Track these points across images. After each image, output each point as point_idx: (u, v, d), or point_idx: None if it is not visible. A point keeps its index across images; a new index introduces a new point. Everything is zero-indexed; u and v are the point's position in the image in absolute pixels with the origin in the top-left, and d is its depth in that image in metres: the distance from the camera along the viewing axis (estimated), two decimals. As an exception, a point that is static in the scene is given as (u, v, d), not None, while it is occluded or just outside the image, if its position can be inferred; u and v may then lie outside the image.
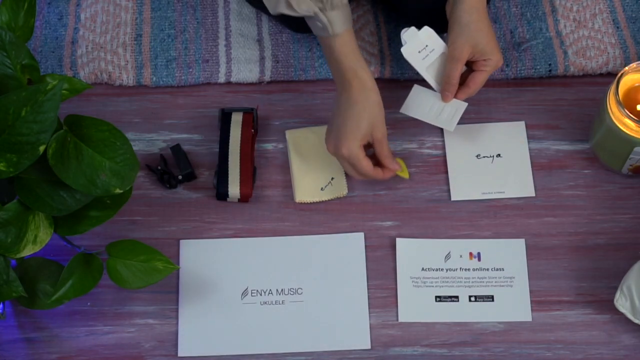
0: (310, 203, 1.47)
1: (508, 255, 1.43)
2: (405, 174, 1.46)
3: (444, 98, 1.45)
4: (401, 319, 1.39)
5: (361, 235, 1.44)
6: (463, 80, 1.45)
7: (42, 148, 1.13)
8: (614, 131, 1.38)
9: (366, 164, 1.39)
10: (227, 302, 1.40)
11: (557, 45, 1.56)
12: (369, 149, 1.41)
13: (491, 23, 1.50)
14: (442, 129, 1.51)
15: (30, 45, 1.55)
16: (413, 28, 1.45)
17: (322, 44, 1.38)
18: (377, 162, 1.42)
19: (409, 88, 1.54)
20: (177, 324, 1.39)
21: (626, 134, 1.37)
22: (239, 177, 1.45)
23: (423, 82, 1.48)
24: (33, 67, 1.21)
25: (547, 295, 1.41)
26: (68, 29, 1.58)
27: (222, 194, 1.45)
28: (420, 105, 1.47)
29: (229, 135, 1.48)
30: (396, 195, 1.48)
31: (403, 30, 1.45)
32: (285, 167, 1.50)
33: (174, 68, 1.55)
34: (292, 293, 1.41)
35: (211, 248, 1.44)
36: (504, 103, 1.54)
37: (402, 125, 1.52)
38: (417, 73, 1.52)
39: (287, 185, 1.48)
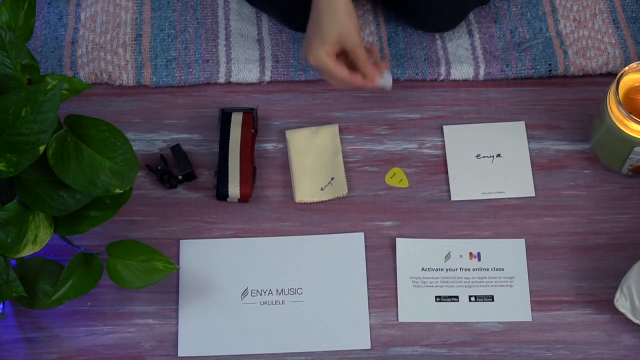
0: (310, 203, 1.47)
1: (508, 255, 1.43)
2: (405, 184, 1.47)
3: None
4: (401, 319, 1.39)
5: (361, 235, 1.44)
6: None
7: (42, 148, 1.13)
8: (614, 131, 1.38)
9: (339, 71, 1.38)
10: (227, 302, 1.40)
11: (557, 45, 1.56)
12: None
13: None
14: (442, 129, 1.51)
15: (30, 45, 1.55)
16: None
17: None
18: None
19: (409, 88, 1.54)
20: (177, 324, 1.39)
21: (626, 134, 1.37)
22: (239, 177, 1.45)
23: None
24: (33, 67, 1.21)
25: (547, 295, 1.41)
26: (68, 29, 1.58)
27: (222, 194, 1.45)
28: None
29: (229, 135, 1.48)
30: (396, 195, 1.48)
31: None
32: (285, 167, 1.50)
33: (174, 68, 1.55)
34: (292, 293, 1.41)
35: (211, 248, 1.44)
36: (504, 103, 1.54)
37: (402, 125, 1.52)
38: (417, 73, 1.52)
39: (287, 185, 1.48)
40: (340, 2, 1.35)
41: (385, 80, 1.41)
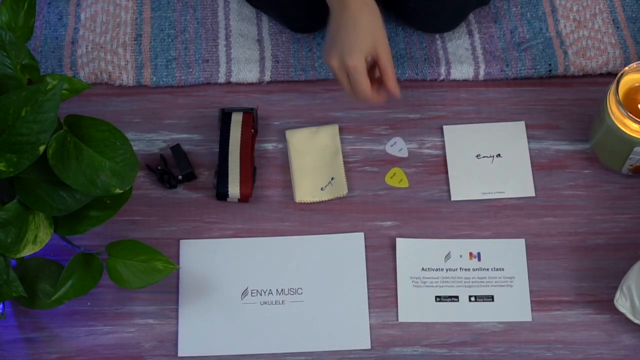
0: (310, 203, 1.47)
1: (508, 255, 1.43)
2: (405, 184, 1.47)
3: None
4: (401, 319, 1.39)
5: (361, 235, 1.44)
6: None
7: (42, 148, 1.13)
8: (614, 131, 1.38)
9: (366, 81, 1.35)
10: (227, 302, 1.40)
11: (557, 45, 1.56)
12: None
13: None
14: (442, 129, 1.51)
15: (30, 45, 1.55)
16: None
17: None
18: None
19: (409, 88, 1.54)
20: (177, 324, 1.39)
21: (626, 134, 1.37)
22: (239, 177, 1.45)
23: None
24: (33, 67, 1.21)
25: (547, 295, 1.40)
26: (68, 29, 1.58)
27: (222, 194, 1.45)
28: None
29: (229, 135, 1.48)
30: (396, 195, 1.48)
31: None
32: (285, 167, 1.50)
33: (174, 68, 1.55)
34: (292, 293, 1.41)
35: (211, 248, 1.44)
36: (504, 103, 1.54)
37: (402, 126, 1.52)
38: (417, 73, 1.52)
39: (287, 185, 1.48)
40: (375, 10, 1.34)
41: (402, 151, 1.47)
